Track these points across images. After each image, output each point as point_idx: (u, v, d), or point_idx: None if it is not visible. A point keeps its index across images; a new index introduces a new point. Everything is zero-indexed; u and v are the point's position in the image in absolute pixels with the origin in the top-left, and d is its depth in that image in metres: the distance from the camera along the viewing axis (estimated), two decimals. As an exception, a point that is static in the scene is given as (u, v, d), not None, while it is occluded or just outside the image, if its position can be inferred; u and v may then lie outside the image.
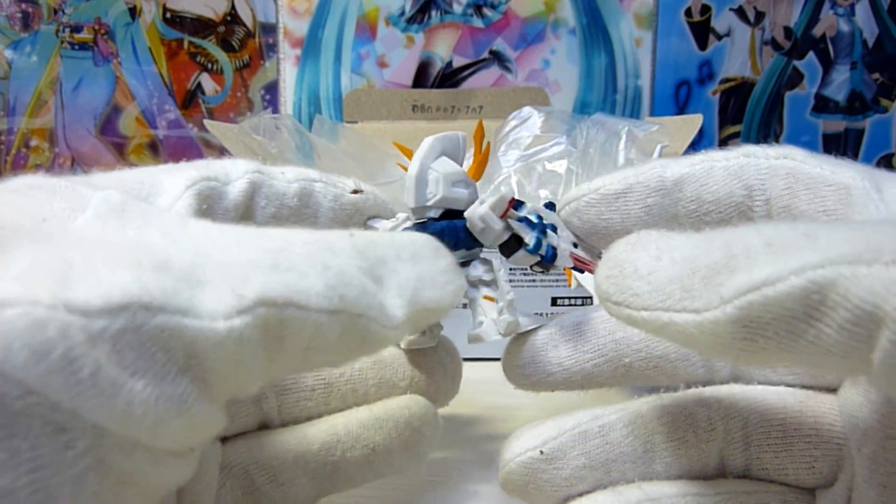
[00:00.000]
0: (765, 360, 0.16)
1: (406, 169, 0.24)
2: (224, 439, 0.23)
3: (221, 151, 0.66)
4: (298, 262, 0.16)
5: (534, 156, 0.45)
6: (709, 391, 0.23)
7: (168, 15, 0.64)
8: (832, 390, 0.22)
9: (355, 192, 0.25)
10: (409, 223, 0.25)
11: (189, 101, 0.65)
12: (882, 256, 0.14)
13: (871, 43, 0.69)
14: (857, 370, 0.15)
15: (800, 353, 0.15)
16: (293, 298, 0.15)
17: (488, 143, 0.25)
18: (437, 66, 0.67)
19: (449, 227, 0.23)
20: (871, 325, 0.14)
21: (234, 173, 0.22)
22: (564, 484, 0.22)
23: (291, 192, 0.23)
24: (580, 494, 0.22)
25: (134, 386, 0.13)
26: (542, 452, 0.22)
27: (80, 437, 0.12)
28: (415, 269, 0.19)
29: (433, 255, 0.20)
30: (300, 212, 0.24)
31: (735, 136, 0.70)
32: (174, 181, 0.21)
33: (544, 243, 0.23)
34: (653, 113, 0.68)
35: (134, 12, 0.64)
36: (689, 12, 0.67)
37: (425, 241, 0.20)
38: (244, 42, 0.65)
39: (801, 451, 0.21)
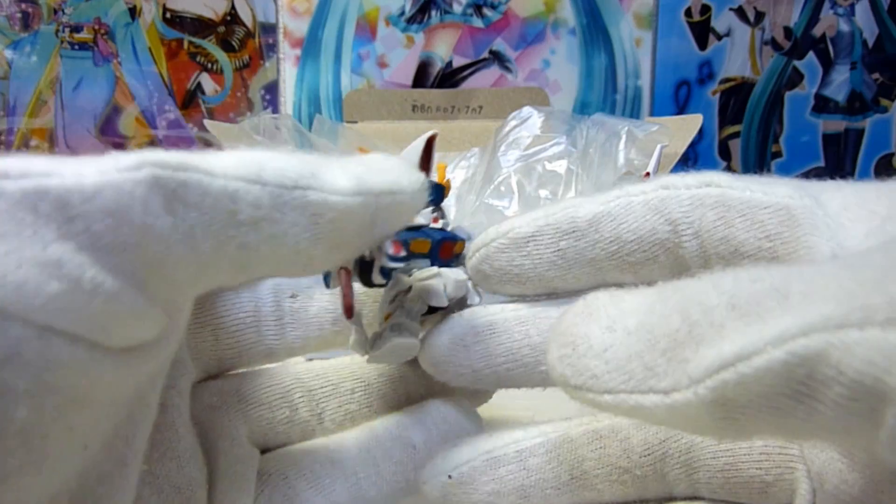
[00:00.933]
0: (754, 435, 0.14)
1: None
2: (263, 451, 0.23)
3: (221, 151, 0.66)
4: (220, 152, 0.16)
5: (534, 156, 0.45)
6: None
7: (168, 15, 0.64)
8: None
9: None
10: None
11: (189, 101, 0.65)
12: (874, 315, 0.12)
13: (871, 43, 0.69)
14: (861, 446, 0.13)
15: (792, 431, 0.13)
16: (191, 163, 0.15)
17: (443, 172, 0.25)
18: (437, 66, 0.67)
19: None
20: (874, 400, 0.12)
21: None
22: None
23: None
24: None
25: None
26: (450, 477, 0.21)
27: None
28: (361, 164, 0.18)
29: (383, 157, 0.19)
30: None
31: (735, 136, 0.70)
32: None
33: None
34: (653, 113, 0.68)
35: (134, 12, 0.64)
36: (689, 12, 0.67)
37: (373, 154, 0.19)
38: (244, 42, 0.65)
39: (752, 477, 0.19)
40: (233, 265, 0.16)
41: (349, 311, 0.20)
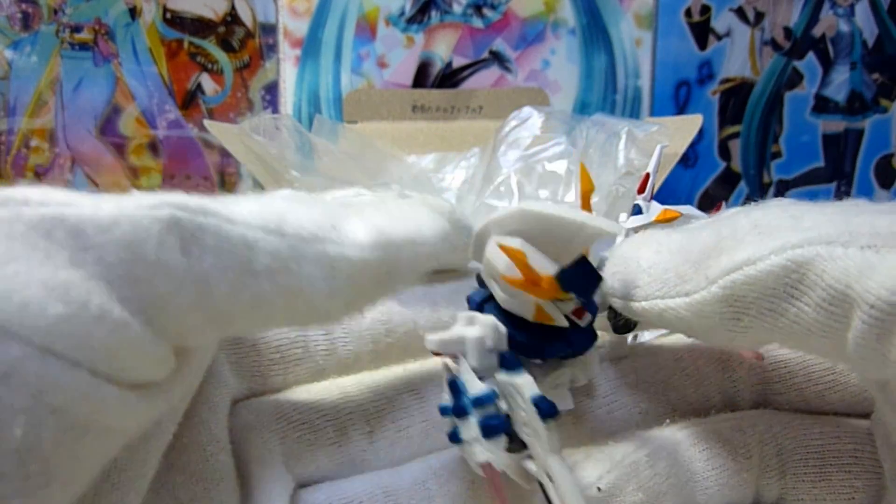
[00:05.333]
0: (752, 341, 0.16)
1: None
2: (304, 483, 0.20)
3: (222, 152, 0.66)
4: (241, 198, 0.16)
5: (534, 156, 0.45)
6: (740, 415, 0.21)
7: (168, 15, 0.64)
8: (866, 416, 0.21)
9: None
10: None
11: (189, 101, 0.66)
12: (857, 240, 0.14)
13: (870, 43, 0.69)
14: (837, 352, 0.15)
15: (783, 333, 0.15)
16: (212, 208, 0.15)
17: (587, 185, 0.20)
18: (437, 66, 0.67)
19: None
20: (846, 305, 0.14)
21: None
22: None
23: None
24: None
25: (1, 270, 0.12)
26: (599, 490, 0.19)
27: None
28: (385, 213, 0.17)
29: (409, 204, 0.18)
30: None
31: (735, 136, 0.70)
32: None
33: None
34: (653, 113, 0.68)
35: (134, 12, 0.64)
36: (689, 12, 0.68)
37: (401, 199, 0.19)
38: (244, 42, 0.65)
39: (841, 482, 0.20)
40: (246, 314, 0.16)
41: None
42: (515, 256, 0.17)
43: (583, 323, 0.18)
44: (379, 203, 0.18)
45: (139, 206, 0.14)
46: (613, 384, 0.22)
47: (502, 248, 0.17)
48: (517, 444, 0.17)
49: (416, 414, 0.21)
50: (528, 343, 0.18)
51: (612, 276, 0.19)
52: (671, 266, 0.17)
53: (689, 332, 0.18)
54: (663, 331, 0.23)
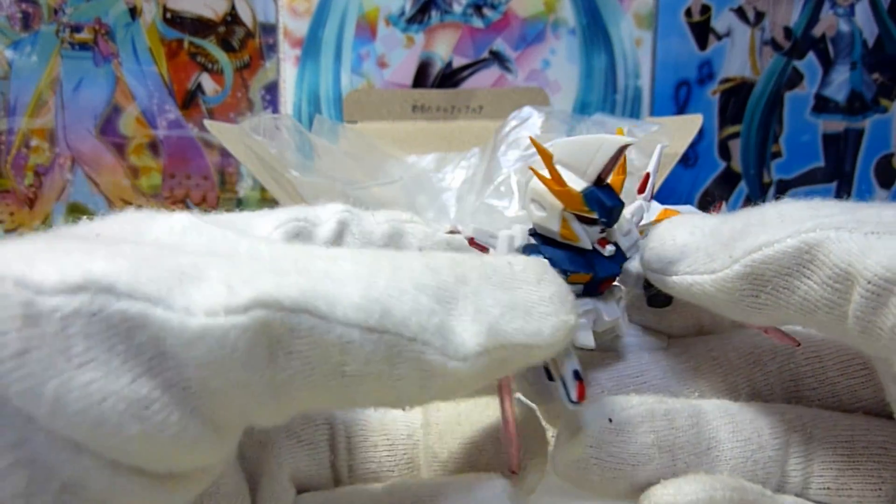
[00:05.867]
0: (768, 317, 0.18)
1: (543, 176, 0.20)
2: (300, 490, 0.22)
3: (222, 152, 0.66)
4: (337, 271, 0.14)
5: (534, 156, 0.45)
6: (771, 404, 0.22)
7: (168, 15, 0.64)
8: (892, 417, 0.21)
9: (452, 232, 0.21)
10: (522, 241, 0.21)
11: (189, 101, 0.66)
12: (863, 227, 0.16)
13: (871, 43, 0.69)
14: (840, 327, 0.16)
15: (794, 309, 0.17)
16: (310, 303, 0.13)
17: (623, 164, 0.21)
18: (437, 66, 0.67)
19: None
20: (848, 282, 0.16)
21: (325, 215, 0.20)
22: (630, 461, 0.19)
23: (379, 232, 0.21)
24: (646, 480, 0.20)
25: (76, 377, 0.11)
26: (610, 420, 0.20)
27: (8, 424, 0.11)
28: (506, 293, 0.16)
29: (537, 278, 0.16)
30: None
31: (735, 136, 0.70)
32: (264, 221, 0.19)
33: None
34: (653, 113, 0.68)
35: (134, 12, 0.64)
36: (689, 12, 0.68)
37: (531, 262, 0.17)
38: (244, 42, 0.65)
39: (869, 471, 0.20)
40: (322, 406, 0.15)
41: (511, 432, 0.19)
42: (545, 155, 0.19)
43: (605, 252, 0.20)
44: (501, 272, 0.16)
45: (229, 310, 0.12)
46: (645, 366, 0.23)
47: (534, 144, 0.19)
48: None
49: (398, 457, 0.22)
50: (553, 256, 0.20)
51: (649, 251, 0.20)
52: (703, 246, 0.19)
53: (714, 307, 0.19)
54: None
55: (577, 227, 0.19)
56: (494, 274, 0.16)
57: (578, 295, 0.20)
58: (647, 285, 0.22)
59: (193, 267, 0.13)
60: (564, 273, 0.19)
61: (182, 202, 0.67)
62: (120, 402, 0.12)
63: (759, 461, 0.20)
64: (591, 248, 0.20)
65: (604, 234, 0.20)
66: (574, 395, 0.18)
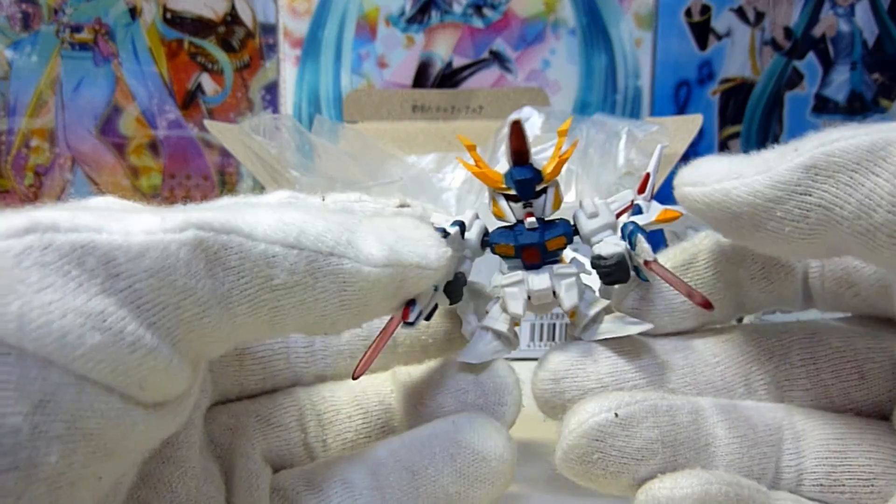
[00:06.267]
0: (799, 231, 0.18)
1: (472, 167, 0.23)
2: (276, 469, 0.23)
3: (222, 152, 0.66)
4: (255, 209, 0.16)
5: (534, 156, 0.45)
6: (764, 403, 0.22)
7: (168, 15, 0.64)
8: (885, 418, 0.21)
9: (401, 205, 0.23)
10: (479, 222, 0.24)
11: (189, 101, 0.66)
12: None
13: (871, 43, 0.69)
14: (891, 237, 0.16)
15: (850, 209, 0.17)
16: (234, 225, 0.15)
17: (573, 143, 0.23)
18: (437, 66, 0.67)
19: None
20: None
21: (272, 200, 0.22)
22: (635, 456, 0.20)
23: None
24: (647, 476, 0.20)
25: (36, 298, 0.13)
26: (616, 415, 0.20)
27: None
28: (395, 232, 0.19)
29: (415, 225, 0.20)
30: None
31: (735, 136, 0.70)
32: (210, 205, 0.21)
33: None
34: (653, 113, 0.68)
35: (134, 12, 0.64)
36: (689, 12, 0.68)
37: (407, 215, 0.20)
38: (244, 42, 0.65)
39: (861, 467, 0.20)
40: (262, 327, 0.16)
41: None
42: (468, 146, 0.22)
43: (527, 224, 0.22)
44: (390, 218, 0.19)
45: (166, 230, 0.14)
46: (643, 363, 0.23)
47: (459, 138, 0.22)
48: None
49: (360, 427, 0.24)
50: (491, 234, 0.23)
51: (689, 170, 0.21)
52: (749, 161, 0.19)
53: (740, 218, 0.19)
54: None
55: (503, 203, 0.22)
56: (383, 220, 0.19)
57: (513, 269, 0.23)
58: (598, 264, 0.23)
59: (130, 208, 0.15)
60: (491, 246, 0.23)
61: (182, 202, 0.67)
62: (79, 317, 0.13)
63: (755, 457, 0.21)
64: (514, 221, 0.23)
65: (529, 209, 0.22)
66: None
